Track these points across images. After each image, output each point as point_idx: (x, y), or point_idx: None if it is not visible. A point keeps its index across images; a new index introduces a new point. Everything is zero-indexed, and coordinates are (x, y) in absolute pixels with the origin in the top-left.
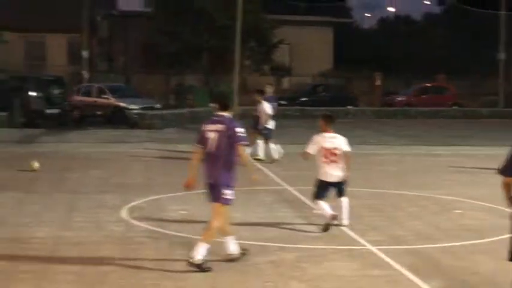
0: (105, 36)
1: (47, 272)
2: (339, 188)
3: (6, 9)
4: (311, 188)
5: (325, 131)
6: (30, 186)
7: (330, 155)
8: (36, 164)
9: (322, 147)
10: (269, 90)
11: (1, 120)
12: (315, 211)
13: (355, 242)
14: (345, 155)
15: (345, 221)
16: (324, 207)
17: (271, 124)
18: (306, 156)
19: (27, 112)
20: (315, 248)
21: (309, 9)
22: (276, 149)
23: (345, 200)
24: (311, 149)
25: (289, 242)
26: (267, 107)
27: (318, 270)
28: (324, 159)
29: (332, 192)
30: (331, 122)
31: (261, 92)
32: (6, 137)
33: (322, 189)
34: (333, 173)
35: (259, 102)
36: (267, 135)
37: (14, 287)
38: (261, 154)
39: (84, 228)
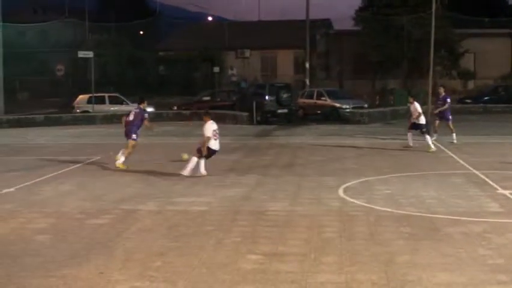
0: (323, 51)
1: (280, 238)
2: None
3: (247, 33)
4: (495, 172)
5: None
6: (266, 171)
7: None
8: (185, 156)
9: None
10: (441, 91)
11: (243, 119)
12: (498, 191)
13: None
14: None
15: None
16: None
17: (423, 119)
18: None
19: (263, 112)
20: (498, 222)
21: (491, 23)
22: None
23: None
24: None
25: (476, 216)
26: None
27: (502, 240)
28: None
29: None
30: None
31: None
32: (248, 132)
33: None
34: None
35: (411, 103)
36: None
37: (255, 247)
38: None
39: (309, 204)
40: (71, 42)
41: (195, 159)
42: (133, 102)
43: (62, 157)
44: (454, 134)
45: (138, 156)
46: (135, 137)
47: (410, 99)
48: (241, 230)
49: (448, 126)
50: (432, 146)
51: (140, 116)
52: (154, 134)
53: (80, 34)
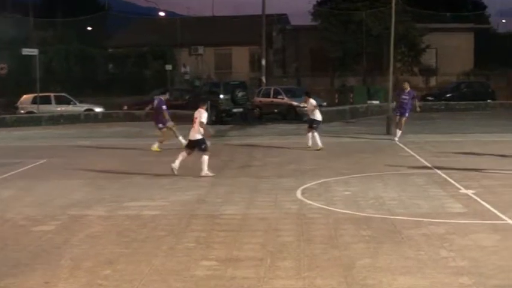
0: (279, 47)
1: (236, 242)
2: None
3: (201, 29)
4: (457, 171)
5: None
6: (221, 172)
7: None
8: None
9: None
10: (406, 86)
11: None
12: (460, 191)
13: (497, 218)
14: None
15: None
16: None
17: (318, 116)
18: None
19: (217, 111)
20: (461, 223)
21: (453, 17)
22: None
23: None
24: None
25: (439, 217)
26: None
27: (465, 242)
28: None
29: None
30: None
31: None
32: None
33: None
34: None
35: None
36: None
37: (209, 253)
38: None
39: (266, 206)
40: (14, 39)
41: (205, 157)
42: (81, 102)
43: (4, 160)
44: (400, 132)
45: (88, 159)
46: (161, 126)
47: (305, 98)
48: (195, 235)
49: (400, 122)
50: (319, 144)
51: (156, 106)
52: (107, 135)
53: (23, 30)
